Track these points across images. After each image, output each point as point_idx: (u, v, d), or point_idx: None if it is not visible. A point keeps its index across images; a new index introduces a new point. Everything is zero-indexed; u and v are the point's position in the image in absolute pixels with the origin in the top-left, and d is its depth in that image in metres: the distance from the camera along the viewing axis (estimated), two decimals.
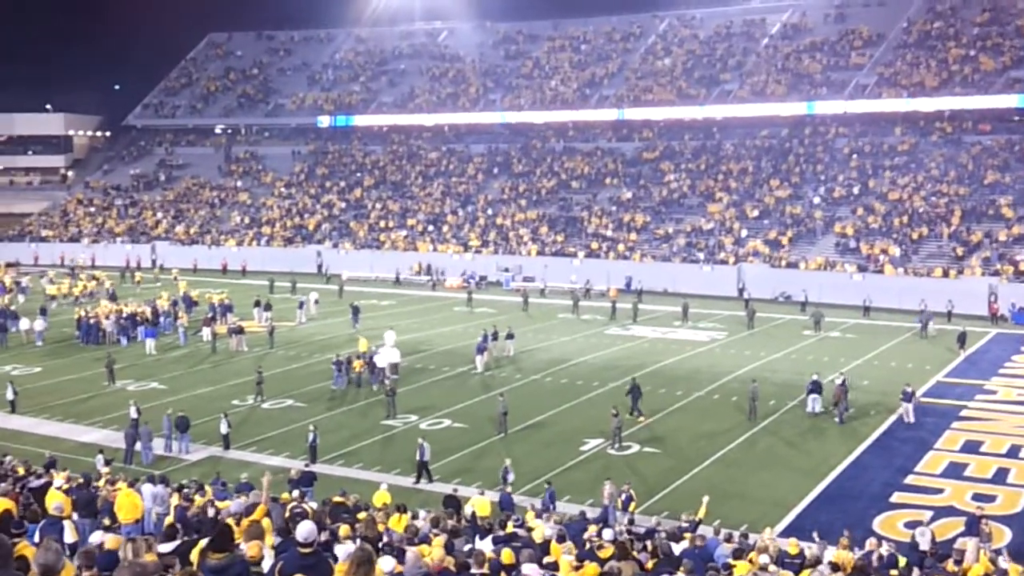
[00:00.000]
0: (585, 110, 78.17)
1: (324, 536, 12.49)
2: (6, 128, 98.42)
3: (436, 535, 14.78)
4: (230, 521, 12.21)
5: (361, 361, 35.14)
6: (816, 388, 29.94)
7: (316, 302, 50.01)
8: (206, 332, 42.30)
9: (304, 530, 11.78)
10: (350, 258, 67.84)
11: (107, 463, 22.61)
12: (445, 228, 70.19)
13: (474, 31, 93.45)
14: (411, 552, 11.33)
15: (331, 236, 72.36)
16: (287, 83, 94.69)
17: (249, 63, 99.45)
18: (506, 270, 62.45)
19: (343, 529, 13.30)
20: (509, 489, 21.66)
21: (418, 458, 24.20)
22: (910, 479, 23.97)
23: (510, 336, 40.02)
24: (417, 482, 23.92)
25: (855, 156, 66.09)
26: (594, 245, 63.37)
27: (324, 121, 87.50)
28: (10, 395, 31.23)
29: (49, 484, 17.39)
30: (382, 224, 72.57)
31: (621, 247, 62.50)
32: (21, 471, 19.80)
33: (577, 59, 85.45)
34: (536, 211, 69.62)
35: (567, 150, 77.78)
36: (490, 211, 71.18)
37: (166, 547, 9.89)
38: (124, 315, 44.52)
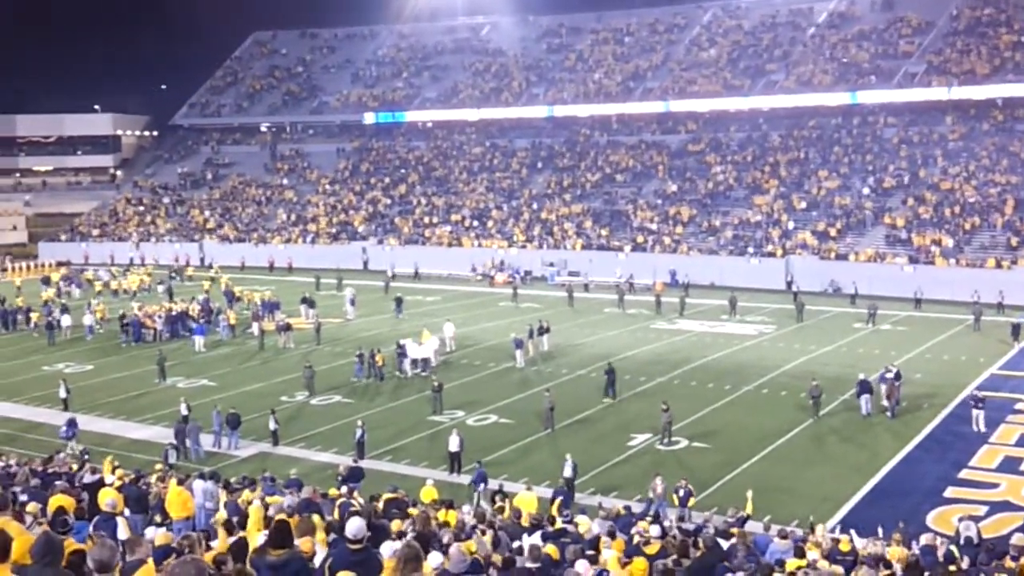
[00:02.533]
0: (629, 103, 77.63)
1: (373, 532, 12.49)
2: (56, 129, 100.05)
3: (482, 531, 14.75)
4: (286, 517, 12.27)
5: (383, 355, 35.40)
6: (866, 388, 29.35)
7: (351, 301, 49.73)
8: (255, 327, 42.64)
9: (354, 526, 11.79)
10: (395, 254, 67.94)
11: (167, 462, 22.84)
12: (490, 223, 70.16)
13: (516, 25, 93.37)
14: (455, 548, 11.28)
15: (376, 232, 72.67)
16: (331, 80, 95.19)
17: (293, 61, 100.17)
18: (551, 265, 62.31)
19: (395, 524, 13.31)
20: (561, 483, 21.63)
21: (449, 449, 24.47)
22: (964, 473, 23.57)
23: (546, 331, 39.91)
24: (451, 473, 24.08)
25: (904, 146, 65.13)
26: (640, 239, 63.04)
27: (368, 118, 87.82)
28: (63, 393, 31.68)
29: (102, 480, 17.61)
30: (427, 220, 72.73)
31: (667, 240, 62.12)
32: (74, 467, 20.09)
33: (621, 51, 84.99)
34: (581, 205, 69.39)
35: (611, 143, 77.45)
36: (534, 206, 71.07)
37: (228, 543, 9.95)
38: (174, 312, 45.10)
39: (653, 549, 12.98)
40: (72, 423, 27.21)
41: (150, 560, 9.11)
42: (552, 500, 19.43)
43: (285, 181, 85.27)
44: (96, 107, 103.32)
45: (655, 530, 14.32)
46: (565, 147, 78.71)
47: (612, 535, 14.33)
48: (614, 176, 72.52)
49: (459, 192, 76.32)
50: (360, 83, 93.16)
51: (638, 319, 47.19)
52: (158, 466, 21.44)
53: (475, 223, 70.65)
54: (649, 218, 65.50)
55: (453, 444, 24.39)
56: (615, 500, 21.34)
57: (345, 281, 57.20)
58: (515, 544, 13.73)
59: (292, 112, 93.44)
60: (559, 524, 15.87)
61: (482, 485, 21.76)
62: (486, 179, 77.20)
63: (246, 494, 18.16)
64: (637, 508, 19.57)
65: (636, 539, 14.29)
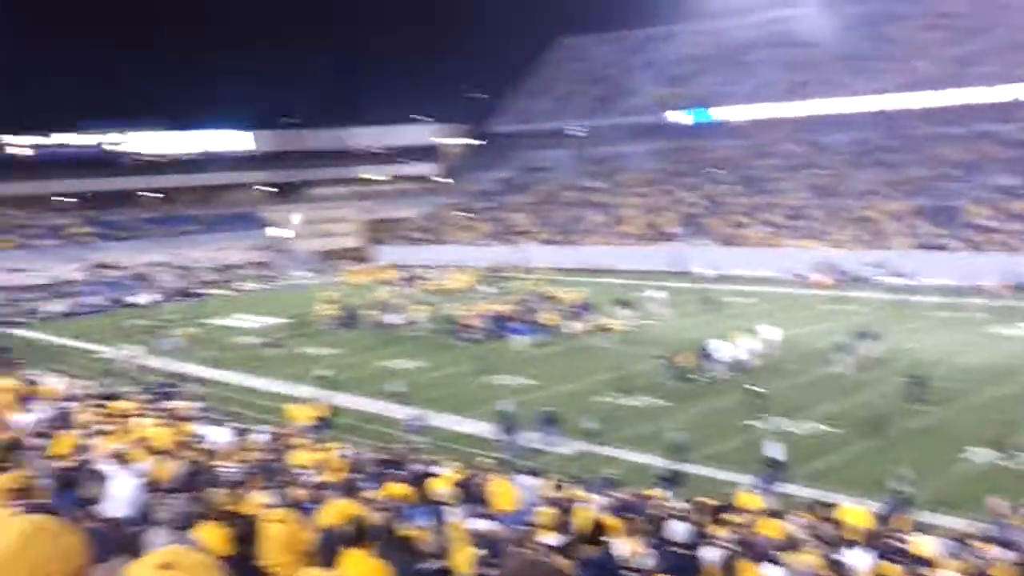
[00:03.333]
0: (958, 90, 72.37)
1: (693, 537, 12.35)
2: (385, 140, 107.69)
3: (811, 543, 14.17)
4: (604, 516, 12.38)
5: (686, 356, 34.89)
6: None
7: (663, 302, 49.84)
8: (570, 329, 43.60)
9: (675, 529, 11.70)
10: (708, 255, 67.13)
11: (504, 457, 23.70)
12: (807, 222, 67.80)
13: (829, 14, 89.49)
14: (797, 560, 10.90)
15: (688, 233, 72.22)
16: (640, 81, 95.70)
17: (602, 64, 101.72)
18: (875, 266, 59.12)
19: (716, 531, 13.08)
20: (896, 499, 20.44)
21: (767, 455, 23.66)
22: None
23: (872, 336, 37.77)
24: (770, 482, 23.30)
25: None
26: (974, 237, 58.60)
27: (679, 117, 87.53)
28: (398, 387, 33.81)
29: (431, 472, 18.55)
30: (740, 220, 71.40)
31: (1007, 238, 57.34)
32: (410, 458, 21.31)
33: (947, 37, 79.39)
34: (907, 202, 65.48)
35: (940, 135, 72.54)
36: (855, 203, 67.91)
37: (553, 540, 10.16)
38: (495, 313, 46.99)
39: (999, 574, 11.95)
40: (419, 417, 28.91)
41: (471, 550, 9.47)
42: (884, 515, 18.37)
43: (597, 184, 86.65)
44: (421, 118, 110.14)
45: (1001, 553, 13.19)
46: (888, 140, 74.64)
47: (952, 556, 13.34)
48: (945, 170, 67.90)
49: (773, 191, 74.34)
50: (669, 83, 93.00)
51: (973, 323, 43.77)
52: (485, 460, 22.27)
53: (791, 222, 68.52)
54: (985, 215, 60.75)
55: (774, 451, 23.70)
56: (951, 519, 19.92)
57: (658, 283, 57.22)
58: (840, 558, 13.12)
59: (602, 115, 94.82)
60: (891, 541, 14.99)
61: (768, 486, 21.11)
62: (802, 176, 74.68)
63: (568, 491, 18.51)
64: (978, 529, 18.08)
65: (979, 562, 13.23)
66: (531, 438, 27.83)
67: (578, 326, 44.08)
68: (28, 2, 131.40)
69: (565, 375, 37.02)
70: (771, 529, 15.53)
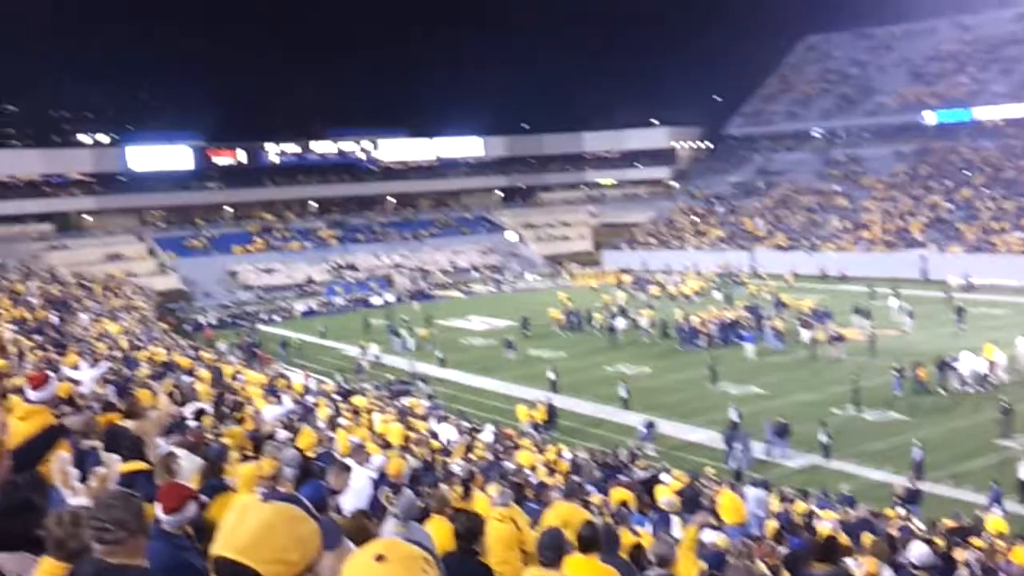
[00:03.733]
0: None
1: (935, 560, 11.70)
2: (617, 143, 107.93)
3: None
4: (836, 533, 11.90)
5: (924, 368, 33.00)
6: None
7: (905, 311, 47.29)
8: (805, 335, 42.18)
9: (917, 552, 11.12)
10: (958, 263, 63.07)
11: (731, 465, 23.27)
12: None
13: None
14: None
15: (936, 239, 68.30)
16: (887, 80, 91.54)
17: (847, 63, 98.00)
18: None
19: (959, 555, 12.33)
20: None
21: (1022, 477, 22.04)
22: None
23: None
24: (995, 501, 21.69)
25: None
26: None
27: (928, 117, 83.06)
28: (623, 392, 33.73)
29: (656, 478, 18.44)
30: (995, 226, 66.89)
31: None
32: (634, 464, 21.26)
33: None
34: None
35: None
36: None
37: (780, 554, 9.90)
38: (727, 319, 46.05)
39: None
40: (651, 425, 28.80)
41: (696, 560, 9.33)
42: None
43: (838, 187, 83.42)
44: (654, 121, 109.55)
45: None
46: None
47: None
48: None
49: None
50: (919, 81, 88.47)
51: None
52: (712, 469, 21.92)
53: None
54: None
55: None
56: None
57: (900, 290, 54.30)
58: None
59: (845, 116, 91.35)
60: None
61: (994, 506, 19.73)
62: None
63: (798, 505, 17.93)
64: None
65: None
66: (760, 449, 27.13)
67: (811, 334, 42.50)
68: (294, 28, 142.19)
69: (797, 385, 35.81)
70: (1020, 556, 14.48)
